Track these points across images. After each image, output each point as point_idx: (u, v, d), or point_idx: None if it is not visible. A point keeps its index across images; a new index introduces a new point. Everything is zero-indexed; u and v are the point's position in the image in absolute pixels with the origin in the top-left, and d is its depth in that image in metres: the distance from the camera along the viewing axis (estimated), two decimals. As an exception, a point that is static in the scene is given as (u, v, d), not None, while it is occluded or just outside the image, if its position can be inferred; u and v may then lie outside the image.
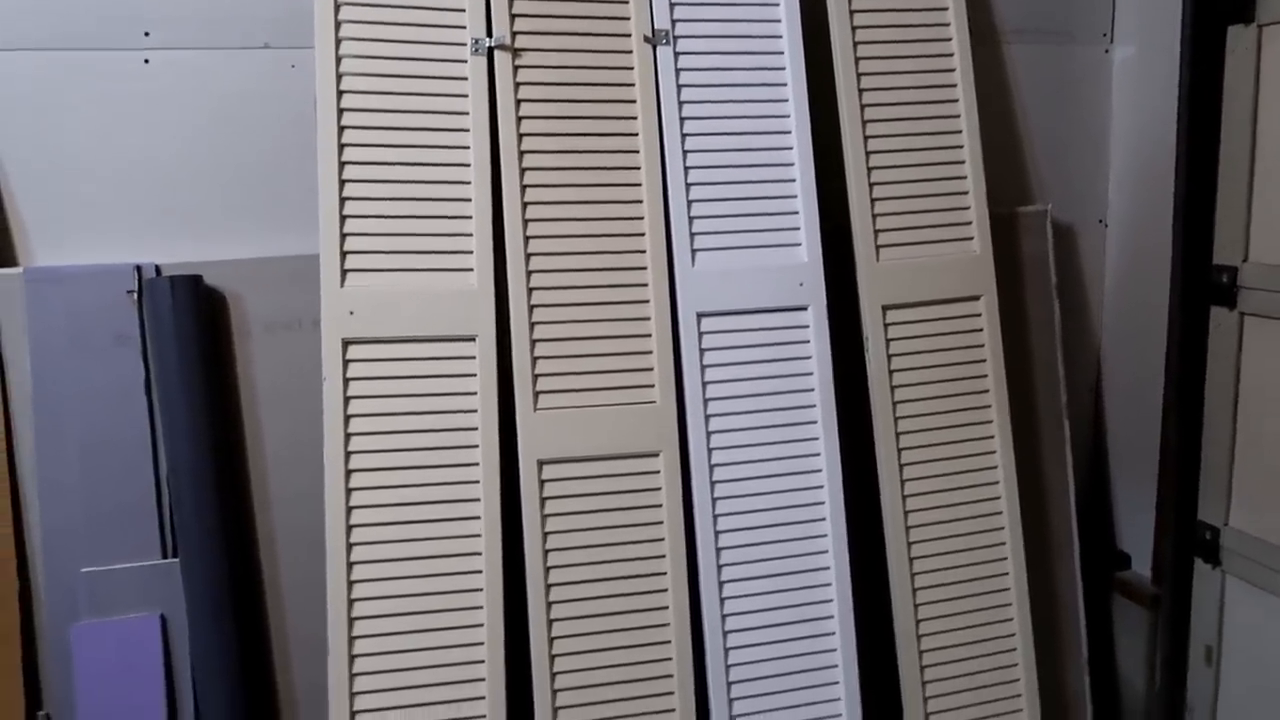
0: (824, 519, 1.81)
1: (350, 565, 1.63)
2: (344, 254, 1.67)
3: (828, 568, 1.80)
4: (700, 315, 1.78)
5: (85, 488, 1.70)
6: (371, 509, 1.65)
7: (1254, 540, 1.84)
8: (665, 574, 1.74)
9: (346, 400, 1.65)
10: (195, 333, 1.70)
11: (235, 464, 1.79)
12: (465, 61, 1.73)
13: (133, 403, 1.72)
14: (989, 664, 1.87)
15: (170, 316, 1.67)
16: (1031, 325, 2.08)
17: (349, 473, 1.64)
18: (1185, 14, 1.87)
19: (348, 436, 1.65)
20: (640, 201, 1.78)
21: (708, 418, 1.77)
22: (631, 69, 1.79)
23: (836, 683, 1.79)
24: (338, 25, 1.68)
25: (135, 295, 1.70)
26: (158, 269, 1.73)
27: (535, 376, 1.71)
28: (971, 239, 1.93)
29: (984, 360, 1.92)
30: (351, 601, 1.63)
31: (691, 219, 1.79)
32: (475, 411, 1.69)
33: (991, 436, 1.91)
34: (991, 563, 1.90)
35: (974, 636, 1.87)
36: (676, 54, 1.81)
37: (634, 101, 1.79)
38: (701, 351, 1.78)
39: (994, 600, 1.89)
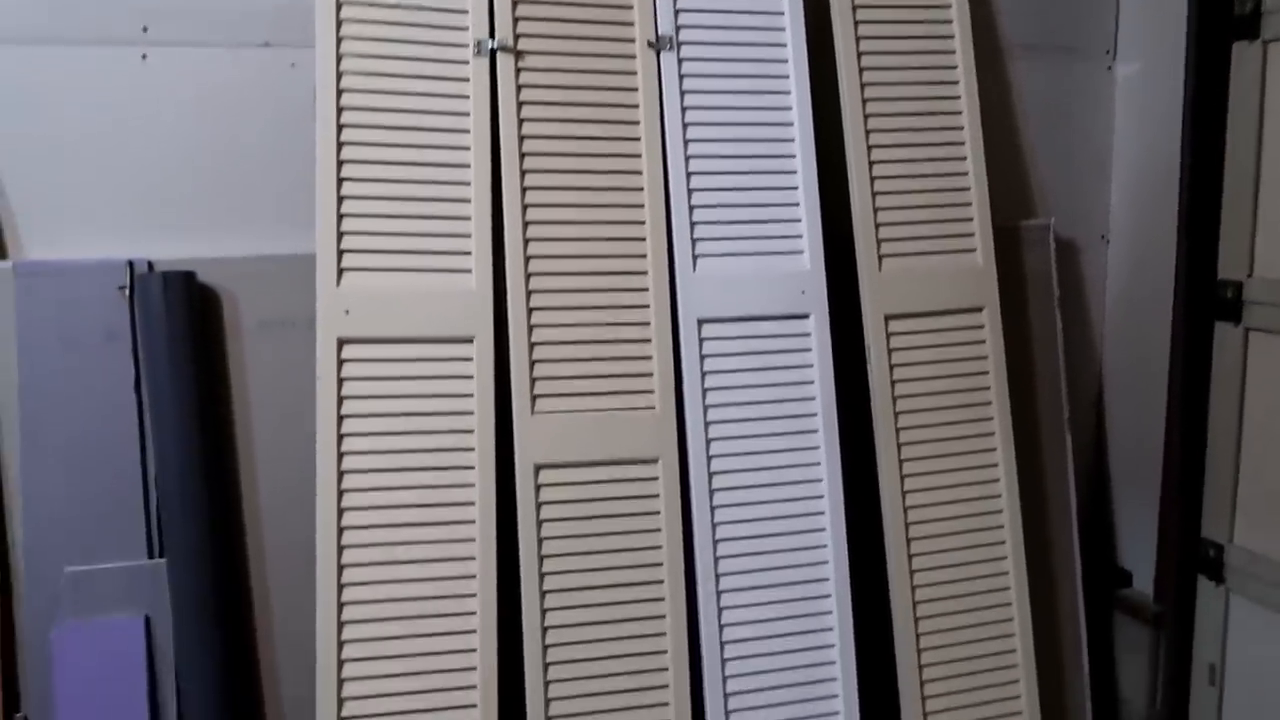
0: (824, 529, 1.78)
1: (341, 569, 1.60)
2: (340, 253, 1.64)
3: (827, 579, 1.77)
4: (701, 321, 1.76)
5: (71, 485, 1.66)
6: (363, 511, 1.61)
7: (1259, 558, 1.81)
8: (663, 582, 1.71)
9: (340, 400, 1.62)
10: (187, 330, 1.67)
11: (225, 464, 1.75)
12: (467, 63, 1.71)
13: (122, 400, 1.69)
14: (990, 680, 1.84)
15: (162, 313, 1.64)
16: (1034, 338, 2.06)
17: (341, 474, 1.61)
18: (1190, 30, 1.86)
19: (340, 437, 1.62)
20: (642, 206, 1.76)
21: (707, 425, 1.75)
22: (635, 74, 1.78)
23: (836, 695, 1.75)
24: (339, 24, 1.66)
25: (127, 291, 1.67)
26: (150, 265, 1.70)
27: (533, 380, 1.69)
28: (974, 250, 1.92)
29: (986, 373, 1.90)
30: (341, 605, 1.59)
31: (693, 224, 1.78)
32: (471, 414, 1.66)
33: (994, 449, 1.89)
34: (993, 576, 1.87)
35: (975, 651, 1.84)
36: (680, 59, 1.79)
37: (636, 106, 1.77)
38: (702, 358, 1.76)
39: (996, 615, 1.87)
